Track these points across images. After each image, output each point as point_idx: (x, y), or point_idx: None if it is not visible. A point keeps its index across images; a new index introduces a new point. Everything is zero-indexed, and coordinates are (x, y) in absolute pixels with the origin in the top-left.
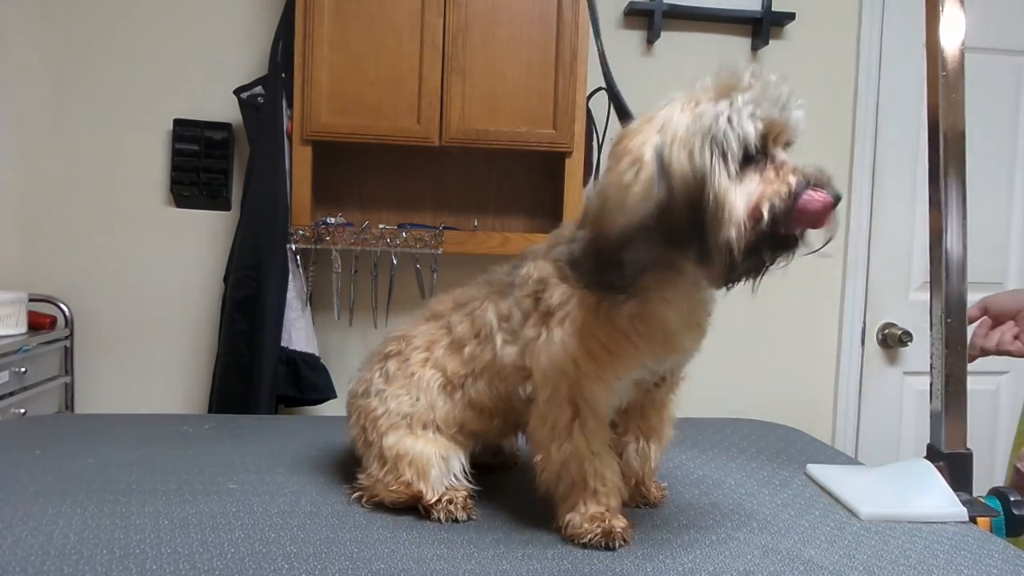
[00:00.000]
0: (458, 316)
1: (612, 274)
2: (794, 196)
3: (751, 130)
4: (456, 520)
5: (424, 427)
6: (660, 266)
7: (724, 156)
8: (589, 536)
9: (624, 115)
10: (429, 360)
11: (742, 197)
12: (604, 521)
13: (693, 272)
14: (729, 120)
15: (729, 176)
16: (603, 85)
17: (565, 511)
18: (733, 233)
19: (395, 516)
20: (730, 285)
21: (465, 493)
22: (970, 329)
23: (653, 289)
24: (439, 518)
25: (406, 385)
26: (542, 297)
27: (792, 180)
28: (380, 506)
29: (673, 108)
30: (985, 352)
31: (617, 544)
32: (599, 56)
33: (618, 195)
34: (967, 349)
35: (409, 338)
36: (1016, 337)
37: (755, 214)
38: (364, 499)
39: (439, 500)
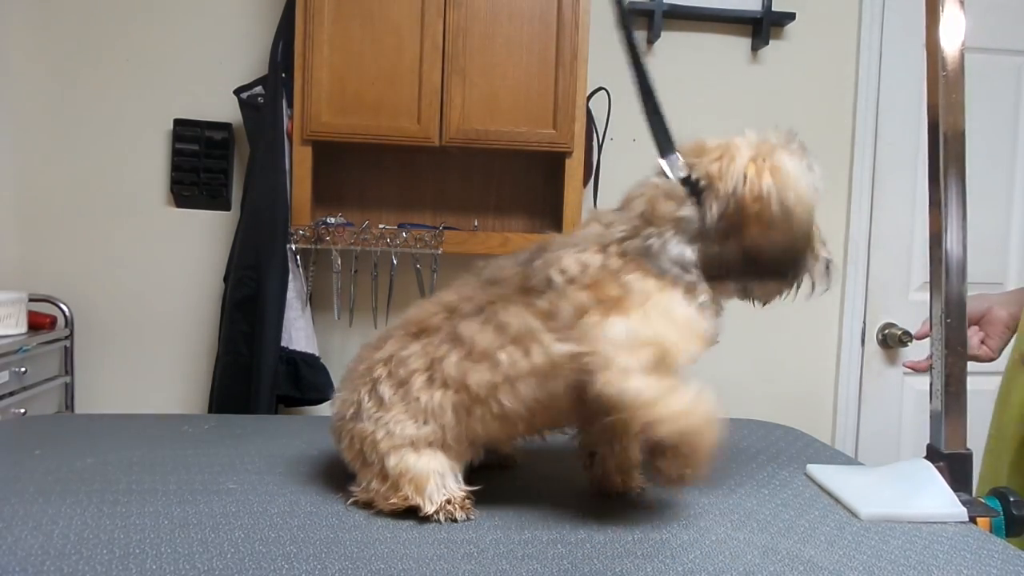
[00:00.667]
0: (472, 325)
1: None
2: None
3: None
4: (455, 520)
5: (429, 445)
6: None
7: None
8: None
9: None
10: (436, 380)
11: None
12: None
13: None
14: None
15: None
16: (603, 85)
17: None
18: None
19: (395, 517)
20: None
21: (463, 494)
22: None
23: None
24: (439, 519)
25: (409, 410)
26: (606, 288)
27: None
28: (379, 514)
29: (772, 147)
30: None
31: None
32: (633, 58)
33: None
34: (932, 358)
35: (401, 360)
36: (982, 342)
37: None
38: (360, 507)
39: (437, 507)
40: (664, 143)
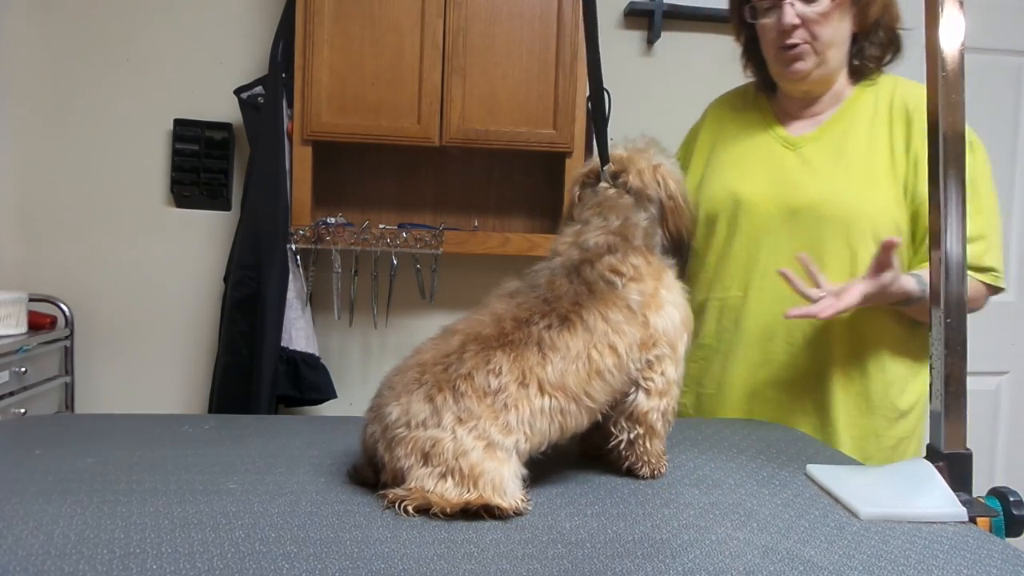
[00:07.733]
0: (564, 333)
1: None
2: None
3: None
4: (520, 513)
5: (507, 451)
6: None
7: None
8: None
9: (602, 124)
10: (530, 387)
11: None
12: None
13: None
14: None
15: None
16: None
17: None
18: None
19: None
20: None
21: (524, 496)
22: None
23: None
24: (505, 518)
25: (497, 416)
26: (651, 281)
27: None
28: (422, 512)
29: (651, 153)
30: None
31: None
32: (589, 63)
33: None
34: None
35: (488, 372)
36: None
37: None
38: (408, 506)
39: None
40: (605, 153)
